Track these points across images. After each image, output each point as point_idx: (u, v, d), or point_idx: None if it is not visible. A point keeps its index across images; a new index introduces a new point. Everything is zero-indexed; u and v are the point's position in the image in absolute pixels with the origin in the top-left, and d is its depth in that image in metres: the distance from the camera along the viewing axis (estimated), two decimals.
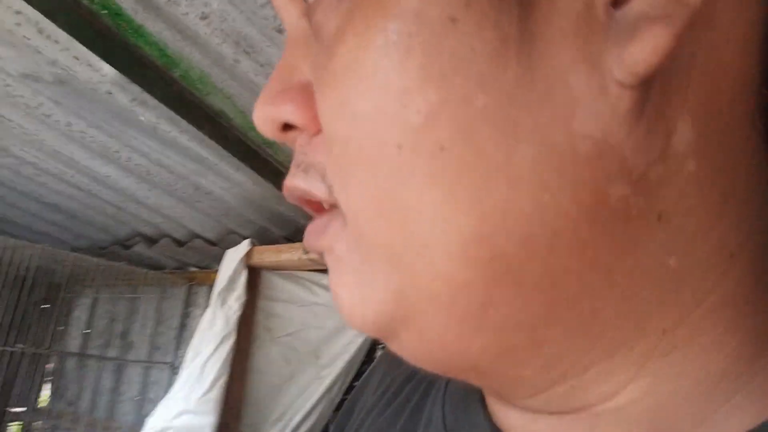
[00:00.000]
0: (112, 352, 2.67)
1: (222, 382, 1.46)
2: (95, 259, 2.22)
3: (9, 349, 2.24)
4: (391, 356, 0.39)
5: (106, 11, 0.99)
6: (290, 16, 0.23)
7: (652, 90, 0.17)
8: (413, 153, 0.18)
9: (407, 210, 0.18)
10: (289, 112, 0.22)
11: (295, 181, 0.23)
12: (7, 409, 2.59)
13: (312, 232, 0.23)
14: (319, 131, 0.21)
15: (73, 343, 2.83)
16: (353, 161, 0.19)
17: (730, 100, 0.18)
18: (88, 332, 2.81)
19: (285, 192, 0.24)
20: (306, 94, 0.22)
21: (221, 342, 1.47)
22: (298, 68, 0.23)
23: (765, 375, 0.20)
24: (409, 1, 0.17)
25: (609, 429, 0.21)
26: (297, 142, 0.23)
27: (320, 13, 0.20)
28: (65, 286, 2.89)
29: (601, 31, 0.16)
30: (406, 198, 0.18)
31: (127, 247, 2.43)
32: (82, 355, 2.74)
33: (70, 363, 2.78)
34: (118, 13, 0.99)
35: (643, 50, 0.16)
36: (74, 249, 2.56)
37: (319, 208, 0.23)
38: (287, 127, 0.23)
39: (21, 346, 2.21)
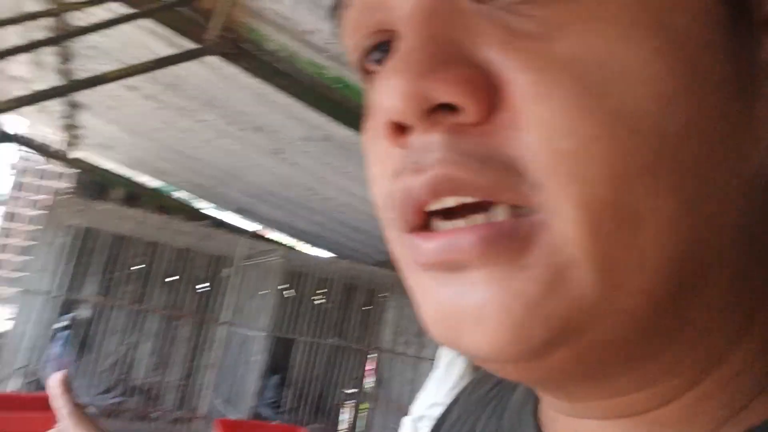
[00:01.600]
0: (410, 350, 3.13)
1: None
2: (381, 270, 2.68)
3: (334, 342, 2.84)
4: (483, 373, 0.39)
5: (339, 85, 1.30)
6: None
7: None
8: (661, 159, 0.18)
9: (638, 217, 0.18)
10: (455, 92, 0.18)
11: (457, 170, 0.18)
12: (343, 390, 3.29)
13: (491, 237, 0.18)
14: (485, 120, 0.18)
15: (386, 340, 3.42)
16: (594, 161, 0.17)
17: None
18: (396, 331, 3.35)
19: (413, 184, 0.19)
20: (485, 77, 0.18)
21: None
22: (462, 44, 0.19)
23: None
24: (678, 20, 0.19)
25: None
26: (441, 127, 0.19)
27: (547, 9, 0.18)
28: (378, 293, 3.51)
29: None
30: (640, 204, 0.18)
31: None
32: (391, 352, 3.27)
33: (385, 356, 3.35)
34: (347, 85, 1.30)
35: None
36: (376, 262, 3.12)
37: (449, 215, 0.19)
38: (436, 109, 0.18)
39: (332, 339, 2.79)
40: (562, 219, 0.18)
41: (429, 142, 0.19)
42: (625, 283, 0.18)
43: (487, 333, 0.19)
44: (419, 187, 0.19)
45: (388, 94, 0.19)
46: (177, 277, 2.81)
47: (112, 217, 2.35)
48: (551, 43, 0.18)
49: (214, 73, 1.36)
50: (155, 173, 2.80)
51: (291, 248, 2.68)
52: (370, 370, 3.46)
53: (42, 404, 1.58)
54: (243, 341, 2.45)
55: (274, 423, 2.47)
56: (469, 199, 0.19)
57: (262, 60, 1.24)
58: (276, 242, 2.87)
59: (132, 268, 2.74)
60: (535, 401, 0.28)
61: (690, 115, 0.18)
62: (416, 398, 1.77)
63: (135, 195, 2.76)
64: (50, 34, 1.46)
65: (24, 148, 2.42)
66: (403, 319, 3.30)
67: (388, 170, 0.21)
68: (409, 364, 3.09)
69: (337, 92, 1.32)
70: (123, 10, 1.15)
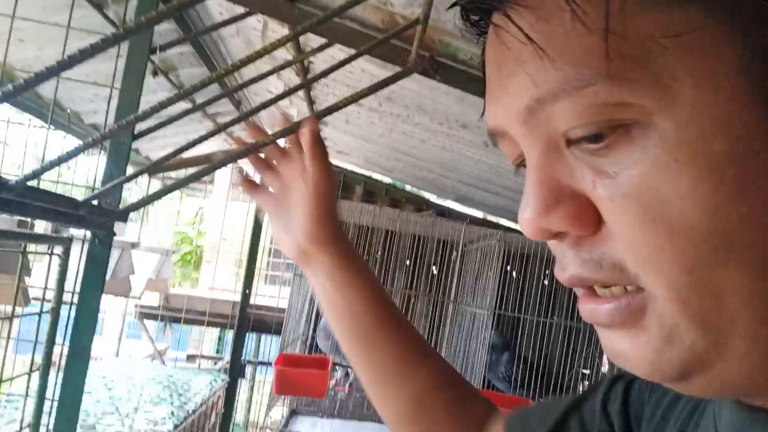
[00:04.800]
0: None
1: None
2: None
3: (561, 322, 2.87)
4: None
5: None
6: (538, 143, 0.27)
7: None
8: (718, 250, 0.23)
9: (722, 289, 0.23)
10: (564, 225, 0.26)
11: (583, 272, 0.27)
12: (579, 369, 3.27)
13: (613, 310, 0.26)
14: (594, 233, 0.26)
15: None
16: (667, 260, 0.24)
17: None
18: None
19: (560, 277, 0.29)
20: (581, 204, 0.26)
21: None
22: (561, 182, 0.27)
23: None
24: (716, 146, 0.23)
25: None
26: (565, 241, 0.27)
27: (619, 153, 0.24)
28: None
29: None
30: (720, 280, 0.23)
31: None
32: None
33: None
34: None
35: None
36: None
37: (592, 289, 0.28)
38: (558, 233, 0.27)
39: (559, 319, 2.81)
40: (660, 297, 0.25)
41: (563, 249, 0.28)
42: (727, 336, 0.23)
43: (636, 368, 0.27)
44: (565, 280, 0.28)
45: (524, 225, 0.28)
46: (411, 262, 3.17)
47: (355, 211, 2.77)
48: (622, 180, 0.24)
49: (420, 84, 1.58)
50: (385, 171, 3.20)
51: (512, 231, 2.80)
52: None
53: (317, 363, 2.01)
54: (472, 318, 2.66)
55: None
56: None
57: (457, 69, 1.41)
58: (497, 225, 3.02)
59: (376, 254, 3.19)
60: None
61: (736, 214, 0.22)
62: None
63: (372, 191, 3.19)
64: (297, 76, 1.85)
65: None
66: None
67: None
68: None
69: None
70: (345, 51, 1.44)
